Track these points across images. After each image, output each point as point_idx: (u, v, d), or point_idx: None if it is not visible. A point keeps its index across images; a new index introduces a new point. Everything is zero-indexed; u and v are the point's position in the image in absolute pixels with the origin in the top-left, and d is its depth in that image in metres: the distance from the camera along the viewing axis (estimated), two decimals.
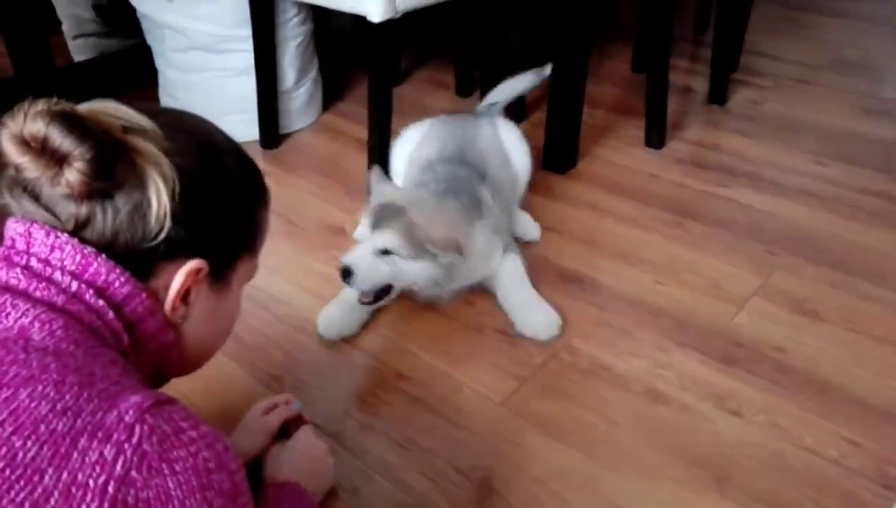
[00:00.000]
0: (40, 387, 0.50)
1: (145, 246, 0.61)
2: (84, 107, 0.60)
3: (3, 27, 1.93)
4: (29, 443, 0.48)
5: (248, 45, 1.79)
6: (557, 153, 1.76)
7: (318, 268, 1.43)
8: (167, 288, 0.64)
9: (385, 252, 1.17)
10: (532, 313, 1.26)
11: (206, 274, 0.66)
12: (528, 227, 1.50)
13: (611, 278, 1.39)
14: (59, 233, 0.59)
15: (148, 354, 0.65)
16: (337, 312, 1.26)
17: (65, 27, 2.24)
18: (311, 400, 1.12)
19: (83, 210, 0.59)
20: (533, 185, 1.59)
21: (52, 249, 0.58)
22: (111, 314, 0.60)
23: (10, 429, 0.48)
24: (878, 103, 2.07)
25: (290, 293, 1.36)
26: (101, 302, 0.59)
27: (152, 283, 0.63)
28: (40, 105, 0.57)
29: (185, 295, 0.66)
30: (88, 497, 0.47)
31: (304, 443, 0.98)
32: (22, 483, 0.46)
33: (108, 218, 0.59)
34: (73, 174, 0.57)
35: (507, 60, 1.98)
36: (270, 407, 1.03)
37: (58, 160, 0.57)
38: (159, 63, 1.95)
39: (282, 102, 1.90)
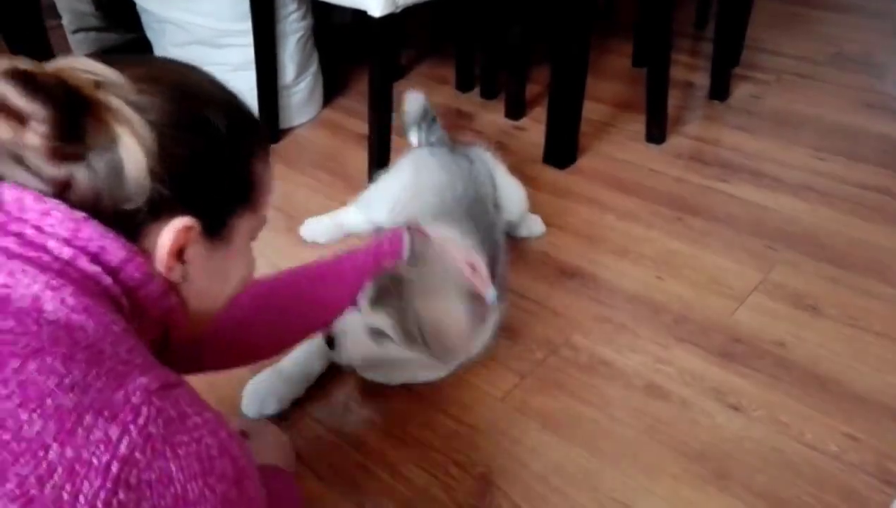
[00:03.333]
0: (49, 360, 0.49)
1: (129, 206, 0.58)
2: (51, 65, 0.57)
3: (3, 21, 1.93)
4: (35, 416, 0.47)
5: (248, 40, 1.78)
6: (558, 148, 1.76)
7: None
8: (158, 248, 0.62)
9: (378, 331, 1.06)
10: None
11: (199, 232, 0.63)
12: (533, 225, 1.49)
13: (611, 273, 1.39)
14: (49, 199, 0.56)
15: (150, 321, 0.64)
16: (264, 385, 1.11)
17: (65, 21, 2.23)
18: (310, 395, 1.12)
19: (61, 172, 0.57)
20: (533, 181, 1.59)
21: (43, 215, 0.56)
22: (108, 279, 0.58)
23: (16, 401, 0.47)
24: (878, 98, 2.07)
25: None
26: (97, 267, 0.57)
27: (143, 245, 0.61)
28: (4, 63, 0.54)
29: (179, 254, 0.63)
30: (92, 475, 0.47)
31: (269, 434, 0.99)
32: (27, 456, 0.46)
33: (86, 179, 0.57)
34: (32, 136, 0.55)
35: (507, 55, 1.98)
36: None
37: (20, 121, 0.55)
38: None
39: (282, 97, 1.89)
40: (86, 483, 0.46)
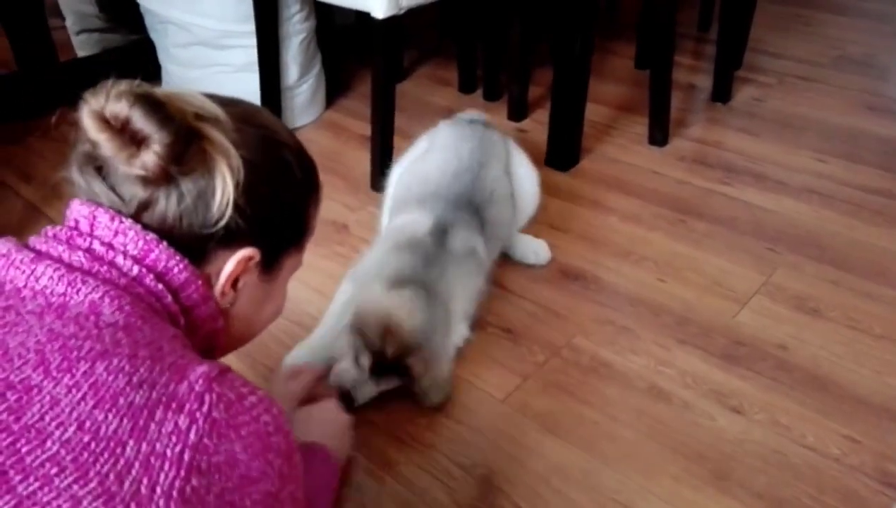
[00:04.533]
0: (115, 361, 0.52)
1: (205, 231, 0.63)
2: (162, 92, 0.62)
3: (6, 22, 1.94)
4: (110, 416, 0.50)
5: (252, 41, 1.79)
6: (560, 150, 1.76)
7: (320, 264, 1.43)
8: (219, 273, 0.67)
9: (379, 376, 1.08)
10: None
11: (256, 263, 0.69)
12: (540, 252, 1.42)
13: (613, 275, 1.39)
14: (123, 219, 0.61)
15: (199, 338, 0.67)
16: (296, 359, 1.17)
17: (68, 22, 2.24)
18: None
19: (148, 193, 0.61)
20: None
21: (116, 233, 0.60)
22: (169, 298, 0.62)
23: (91, 402, 0.50)
24: (881, 101, 2.07)
25: (291, 288, 1.35)
26: (160, 285, 0.61)
27: (206, 268, 0.66)
28: (124, 85, 0.59)
29: (234, 282, 0.68)
30: (167, 466, 0.50)
31: (329, 412, 1.01)
32: (106, 455, 0.49)
33: (171, 201, 0.61)
34: (150, 156, 0.59)
35: (509, 57, 1.99)
36: (295, 373, 1.06)
37: (137, 141, 0.59)
38: (162, 58, 1.96)
39: (285, 98, 1.90)
40: (161, 475, 0.50)
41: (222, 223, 0.63)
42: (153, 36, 1.94)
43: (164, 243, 0.61)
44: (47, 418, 0.49)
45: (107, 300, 0.57)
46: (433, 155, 1.35)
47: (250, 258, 0.67)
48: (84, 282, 0.57)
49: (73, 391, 0.51)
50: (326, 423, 0.98)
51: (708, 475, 1.00)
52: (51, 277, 0.57)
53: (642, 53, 2.28)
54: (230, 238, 0.65)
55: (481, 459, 1.03)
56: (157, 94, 0.60)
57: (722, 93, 2.07)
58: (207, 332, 0.68)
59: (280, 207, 0.70)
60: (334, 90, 2.12)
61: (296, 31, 1.85)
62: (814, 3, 2.82)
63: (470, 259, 1.19)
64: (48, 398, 0.50)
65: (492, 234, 1.26)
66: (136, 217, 0.62)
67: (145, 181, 0.60)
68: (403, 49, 2.34)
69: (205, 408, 0.53)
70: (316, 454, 0.89)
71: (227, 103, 0.67)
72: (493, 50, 2.09)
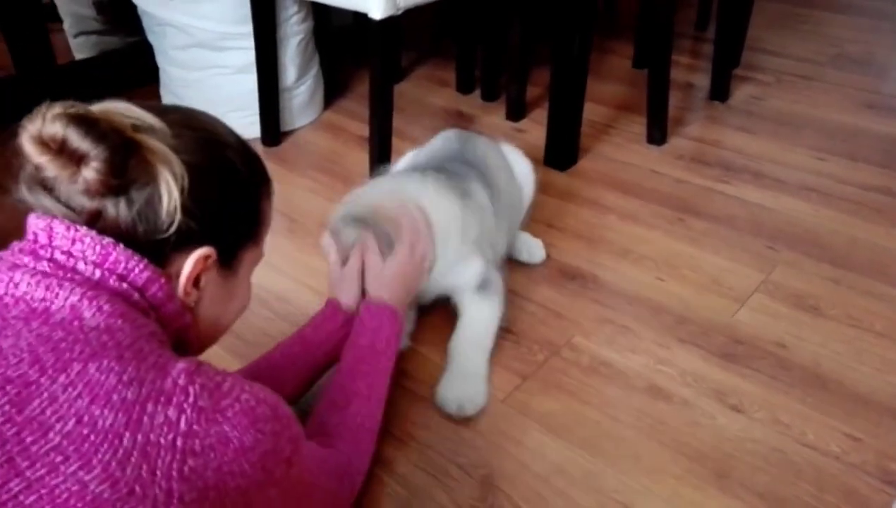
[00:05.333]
0: (105, 362, 0.57)
1: (159, 236, 0.66)
2: (97, 108, 0.64)
3: (5, 25, 1.93)
4: (106, 411, 0.54)
5: (249, 43, 1.79)
6: (559, 150, 1.76)
7: (320, 266, 1.42)
8: (179, 274, 0.69)
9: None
10: (463, 384, 1.12)
11: (214, 261, 0.71)
12: (534, 250, 1.43)
13: (612, 274, 1.39)
14: (79, 227, 0.63)
15: (169, 335, 0.70)
16: None
17: (66, 25, 2.24)
18: (312, 398, 1.12)
19: (96, 204, 0.63)
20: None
21: (74, 242, 0.63)
22: (136, 295, 0.65)
23: (87, 399, 0.54)
24: (879, 99, 2.07)
25: (291, 290, 1.37)
26: (124, 285, 0.64)
27: (167, 270, 0.68)
28: (57, 108, 0.61)
29: (196, 281, 0.71)
30: (163, 453, 0.55)
31: (402, 260, 1.07)
32: (105, 446, 0.53)
33: (121, 211, 0.64)
34: (90, 173, 0.61)
35: (507, 57, 1.99)
36: (342, 260, 1.11)
37: (76, 160, 0.61)
38: (160, 61, 1.96)
39: (283, 100, 1.90)
40: (159, 461, 0.55)
41: (174, 228, 0.65)
42: (151, 38, 1.94)
43: (122, 245, 0.64)
44: (48, 412, 0.53)
45: (85, 302, 0.60)
46: (424, 151, 1.40)
47: (207, 257, 0.70)
48: (61, 286, 0.61)
49: (70, 389, 0.55)
50: (400, 275, 1.07)
51: (709, 474, 1.00)
52: (28, 283, 0.61)
53: (640, 53, 2.28)
54: (184, 240, 0.67)
55: (481, 459, 1.03)
56: (92, 112, 0.62)
57: (720, 91, 2.07)
58: (176, 329, 0.71)
59: (229, 205, 0.72)
60: (332, 91, 2.12)
61: (293, 32, 1.85)
62: (812, 1, 2.83)
63: (485, 207, 1.24)
64: (46, 394, 0.54)
65: (504, 211, 1.29)
66: (91, 225, 0.64)
67: (90, 194, 0.63)
68: (401, 49, 2.34)
69: (191, 399, 0.58)
70: (388, 316, 1.02)
71: (166, 111, 0.69)
72: (491, 50, 2.09)
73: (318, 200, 1.66)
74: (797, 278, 1.37)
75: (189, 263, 0.69)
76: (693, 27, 2.57)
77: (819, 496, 0.97)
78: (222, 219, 0.71)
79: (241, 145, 0.75)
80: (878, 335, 1.23)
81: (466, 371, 1.13)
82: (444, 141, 1.40)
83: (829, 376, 1.15)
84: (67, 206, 0.64)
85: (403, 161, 1.47)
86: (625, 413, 1.10)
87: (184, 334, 0.73)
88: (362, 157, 1.71)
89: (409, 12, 1.52)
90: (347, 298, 1.08)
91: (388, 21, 1.48)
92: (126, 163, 0.62)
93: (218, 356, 1.20)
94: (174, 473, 0.55)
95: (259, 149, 1.86)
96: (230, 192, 0.72)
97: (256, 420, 0.61)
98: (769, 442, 1.05)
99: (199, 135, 0.70)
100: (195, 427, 0.57)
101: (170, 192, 0.64)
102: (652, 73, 1.83)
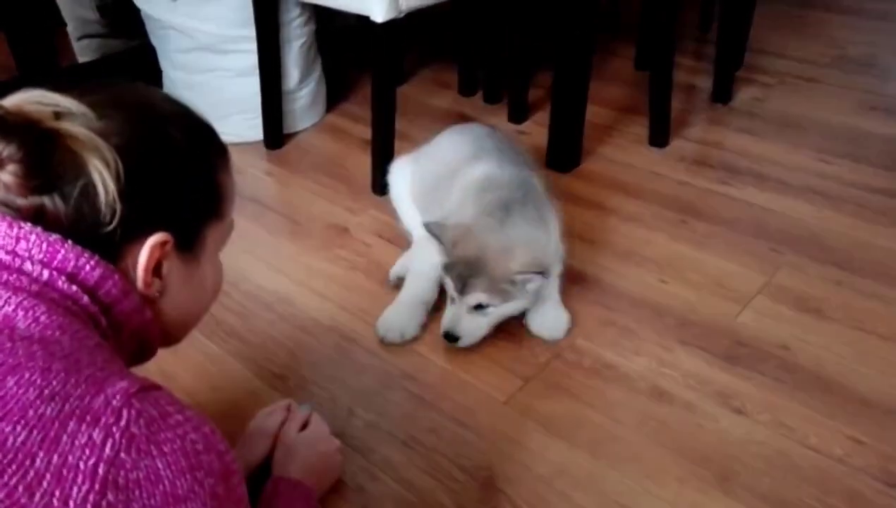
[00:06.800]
0: (27, 374, 0.50)
1: (104, 229, 0.60)
2: (9, 101, 0.59)
3: (8, 28, 1.94)
4: (18, 428, 0.48)
5: (252, 46, 1.79)
6: (561, 152, 1.76)
7: (323, 268, 1.43)
8: (136, 266, 0.63)
9: (479, 306, 1.17)
10: (546, 312, 1.26)
11: (173, 246, 0.65)
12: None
13: (615, 277, 1.39)
14: (23, 224, 0.58)
15: (128, 333, 0.65)
16: (394, 316, 1.26)
17: (69, 28, 2.24)
18: (315, 400, 1.12)
19: (30, 202, 0.58)
20: None
21: (18, 240, 0.58)
22: (86, 298, 0.59)
23: None
24: (883, 100, 2.07)
25: (294, 293, 1.37)
26: (74, 287, 0.58)
27: (121, 265, 0.62)
28: None
29: (157, 270, 0.65)
30: (80, 479, 0.48)
31: (316, 438, 0.99)
32: (14, 466, 0.47)
33: (58, 207, 0.58)
34: (6, 176, 0.57)
35: (509, 59, 1.99)
36: (269, 411, 1.02)
37: None
38: (164, 64, 1.96)
39: (285, 102, 1.90)
40: (74, 488, 0.47)
41: (117, 218, 0.59)
42: (154, 41, 1.95)
43: (70, 242, 0.58)
44: None
45: (20, 312, 0.54)
46: (435, 147, 1.43)
47: (164, 243, 0.64)
48: None
49: None
50: (313, 452, 0.96)
51: (712, 477, 1.00)
52: None
53: (642, 54, 2.28)
54: (134, 229, 0.61)
55: (484, 461, 1.03)
56: (3, 106, 0.57)
57: (722, 93, 2.06)
58: (135, 328, 0.65)
59: (178, 185, 0.66)
60: (335, 94, 2.12)
61: (296, 35, 1.86)
62: (814, 3, 2.82)
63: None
64: None
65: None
66: (36, 222, 0.59)
67: (17, 195, 0.58)
68: (404, 52, 2.34)
69: (122, 423, 0.50)
70: (299, 493, 0.88)
71: (90, 91, 0.62)
72: (493, 52, 2.09)
73: (320, 203, 1.66)
74: (800, 280, 1.37)
75: (144, 253, 0.63)
76: (696, 29, 2.56)
77: (822, 499, 0.97)
78: (173, 200, 0.65)
79: (184, 116, 0.69)
80: (881, 337, 1.23)
81: (547, 303, 1.26)
82: (476, 138, 1.41)
83: (832, 379, 1.15)
84: (6, 205, 0.58)
85: (404, 161, 1.48)
86: (627, 415, 1.10)
87: (144, 333, 0.67)
88: (365, 160, 1.71)
89: (412, 15, 1.52)
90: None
91: (391, 24, 1.48)
92: (47, 159, 0.57)
93: (221, 359, 1.21)
94: (89, 506, 0.47)
95: (262, 152, 1.86)
96: (176, 170, 0.65)
97: (197, 467, 0.52)
98: (772, 445, 1.04)
99: (129, 114, 0.63)
100: (122, 455, 0.49)
101: (104, 182, 0.58)
102: (654, 75, 1.82)
